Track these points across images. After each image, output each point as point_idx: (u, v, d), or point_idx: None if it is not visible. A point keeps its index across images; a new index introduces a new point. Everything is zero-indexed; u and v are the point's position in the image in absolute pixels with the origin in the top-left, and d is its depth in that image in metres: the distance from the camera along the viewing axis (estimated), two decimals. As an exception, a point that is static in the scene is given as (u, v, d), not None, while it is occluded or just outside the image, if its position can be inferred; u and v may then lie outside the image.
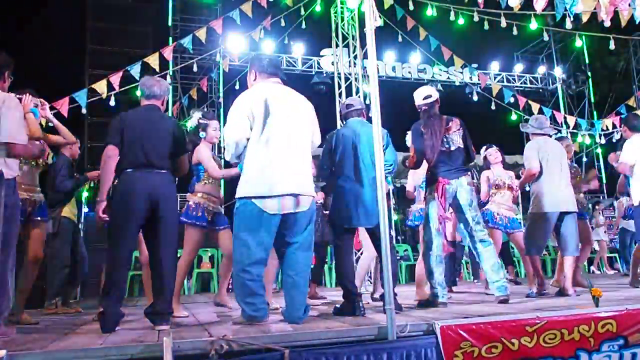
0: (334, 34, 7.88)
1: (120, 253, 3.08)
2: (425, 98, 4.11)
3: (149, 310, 3.14)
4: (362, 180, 3.71)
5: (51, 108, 7.24)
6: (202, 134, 4.05)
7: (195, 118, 4.11)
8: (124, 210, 3.06)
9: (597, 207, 10.20)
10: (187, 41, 8.31)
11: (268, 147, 3.06)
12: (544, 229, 4.48)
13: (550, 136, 4.75)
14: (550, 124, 12.00)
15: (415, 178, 5.25)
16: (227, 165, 4.56)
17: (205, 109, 11.58)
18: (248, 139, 3.11)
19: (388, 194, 3.76)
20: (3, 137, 2.89)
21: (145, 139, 3.15)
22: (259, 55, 3.58)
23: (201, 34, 8.32)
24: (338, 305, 3.63)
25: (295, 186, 3.07)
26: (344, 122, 4.03)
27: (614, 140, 11.48)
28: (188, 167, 3.38)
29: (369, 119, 3.52)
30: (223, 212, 4.18)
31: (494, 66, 14.32)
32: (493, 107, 10.69)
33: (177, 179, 3.41)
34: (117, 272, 3.07)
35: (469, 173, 4.04)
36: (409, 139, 5.16)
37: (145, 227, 3.16)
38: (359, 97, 7.46)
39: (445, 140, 3.97)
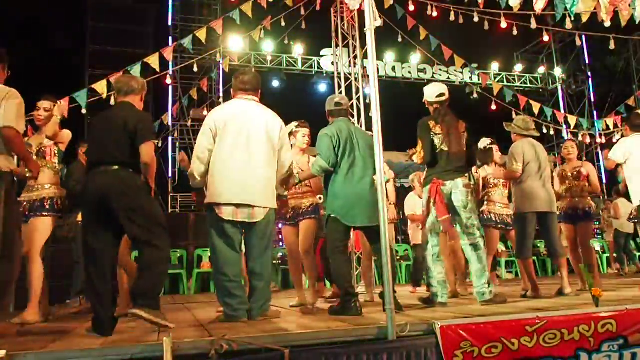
0: (334, 34, 7.87)
1: (87, 252, 3.03)
2: (438, 96, 4.07)
3: (132, 289, 3.06)
4: (361, 180, 3.71)
5: (51, 108, 7.28)
6: (292, 140, 4.39)
7: (290, 126, 4.42)
8: (83, 214, 3.15)
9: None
10: (187, 41, 8.31)
11: (229, 160, 3.32)
12: (525, 229, 4.50)
13: (534, 137, 4.74)
14: (550, 123, 12.00)
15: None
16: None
17: (205, 109, 11.61)
18: (210, 151, 3.38)
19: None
20: (1, 122, 2.94)
21: (98, 137, 3.16)
22: (238, 72, 3.68)
23: (201, 34, 8.32)
24: (334, 305, 3.64)
25: (250, 197, 3.31)
26: (331, 120, 4.01)
27: (614, 140, 11.48)
28: (152, 158, 3.12)
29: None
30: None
31: (494, 66, 14.33)
32: (493, 107, 10.70)
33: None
34: (89, 276, 2.99)
35: (467, 175, 3.99)
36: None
37: (113, 226, 3.04)
38: (358, 96, 7.46)
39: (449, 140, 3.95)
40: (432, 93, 4.10)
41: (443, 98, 4.07)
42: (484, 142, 5.27)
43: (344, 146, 3.74)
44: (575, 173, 5.16)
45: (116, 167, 3.05)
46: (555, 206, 4.62)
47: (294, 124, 4.57)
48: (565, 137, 12.82)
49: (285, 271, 8.35)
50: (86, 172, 3.20)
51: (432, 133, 3.96)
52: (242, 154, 3.34)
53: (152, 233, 3.00)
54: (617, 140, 4.99)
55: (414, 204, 6.07)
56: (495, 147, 5.35)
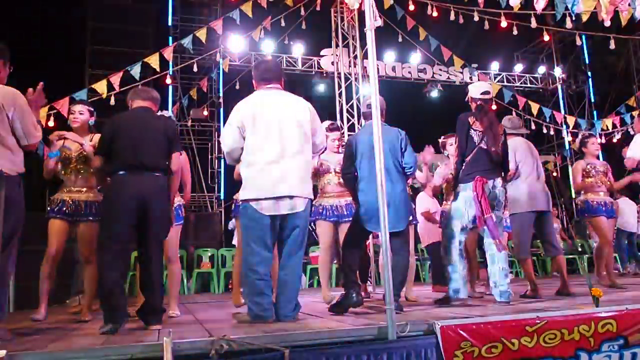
0: (334, 34, 7.88)
1: (111, 255, 3.06)
2: (483, 93, 4.07)
3: (141, 310, 3.16)
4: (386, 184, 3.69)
5: (51, 108, 7.29)
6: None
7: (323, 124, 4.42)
8: (114, 213, 3.10)
9: None
10: (187, 41, 8.31)
11: (262, 152, 3.24)
12: (524, 229, 4.49)
13: (523, 136, 4.73)
14: (550, 123, 11.99)
15: (446, 172, 5.10)
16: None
17: (205, 109, 11.61)
18: (242, 147, 3.29)
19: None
20: (23, 141, 2.99)
21: (138, 140, 3.18)
22: (258, 62, 3.68)
23: (201, 34, 8.32)
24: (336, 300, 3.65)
25: (289, 188, 3.20)
26: (364, 123, 4.06)
27: (614, 140, 11.48)
28: (178, 166, 3.35)
29: (386, 121, 3.70)
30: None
31: (494, 66, 14.32)
32: (493, 107, 10.69)
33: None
34: (108, 274, 3.03)
35: (503, 176, 4.01)
36: None
37: (136, 228, 3.16)
38: (358, 96, 7.46)
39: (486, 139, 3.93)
40: (478, 90, 4.10)
41: (488, 96, 4.08)
42: None
43: (362, 152, 3.74)
44: (604, 168, 5.19)
45: (157, 174, 3.20)
46: (549, 204, 4.60)
47: (325, 124, 4.54)
48: (565, 137, 12.84)
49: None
50: (112, 172, 3.20)
51: (471, 129, 3.94)
52: (275, 145, 3.23)
53: (161, 246, 3.23)
54: (617, 140, 4.97)
55: (426, 203, 6.03)
56: None
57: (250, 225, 3.22)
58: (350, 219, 4.27)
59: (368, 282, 6.08)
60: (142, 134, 3.21)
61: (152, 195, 3.12)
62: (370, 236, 5.31)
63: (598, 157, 5.35)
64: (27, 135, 3.00)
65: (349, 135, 7.39)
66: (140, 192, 3.09)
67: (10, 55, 3.16)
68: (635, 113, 10.65)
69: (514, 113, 10.82)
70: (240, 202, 3.32)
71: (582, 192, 5.31)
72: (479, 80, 12.18)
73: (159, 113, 3.67)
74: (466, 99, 4.20)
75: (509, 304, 3.75)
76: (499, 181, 3.93)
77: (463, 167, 3.95)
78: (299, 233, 3.30)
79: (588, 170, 5.23)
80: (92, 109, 4.16)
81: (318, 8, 8.58)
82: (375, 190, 3.57)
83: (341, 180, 4.36)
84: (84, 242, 3.75)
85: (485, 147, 3.89)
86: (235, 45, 10.57)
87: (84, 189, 3.84)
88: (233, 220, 6.17)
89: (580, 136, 5.62)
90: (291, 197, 3.20)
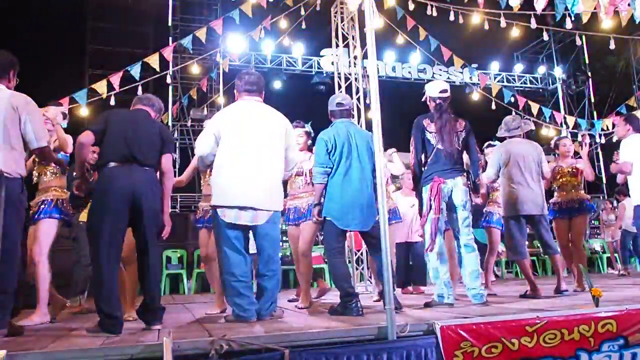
0: (334, 34, 7.86)
1: (102, 250, 2.96)
2: (441, 92, 4.02)
3: (141, 309, 3.14)
4: (358, 183, 3.69)
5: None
6: None
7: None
8: (103, 207, 2.99)
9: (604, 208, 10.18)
10: (187, 41, 8.31)
11: (234, 162, 3.31)
12: (513, 232, 4.47)
13: (521, 136, 4.70)
14: (550, 123, 11.97)
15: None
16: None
17: (205, 110, 11.61)
18: (214, 154, 3.39)
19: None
20: (34, 144, 3.00)
21: (130, 134, 3.13)
22: (242, 73, 3.65)
23: (201, 34, 8.32)
24: (335, 306, 3.63)
25: (253, 200, 3.30)
26: (333, 120, 3.98)
27: (614, 140, 11.48)
28: (171, 168, 3.35)
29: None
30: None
31: (494, 66, 14.32)
32: (493, 107, 10.70)
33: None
34: (102, 271, 2.94)
35: (465, 174, 3.96)
36: (490, 151, 5.20)
37: (130, 224, 3.12)
38: (359, 96, 7.45)
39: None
40: (436, 88, 4.06)
41: (445, 95, 4.01)
42: (490, 145, 5.32)
43: (341, 149, 3.71)
44: (572, 170, 5.19)
45: (148, 169, 3.17)
46: (544, 207, 4.56)
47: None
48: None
49: (284, 271, 8.34)
50: (101, 165, 3.11)
51: (426, 131, 3.93)
52: (248, 156, 3.33)
53: (157, 242, 3.21)
54: (617, 140, 4.95)
55: (401, 203, 6.00)
56: (491, 148, 5.35)
57: (219, 231, 3.35)
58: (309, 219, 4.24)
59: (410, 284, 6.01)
60: (136, 129, 3.18)
61: (143, 187, 3.07)
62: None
63: (580, 157, 5.33)
64: (38, 139, 3.01)
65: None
66: (131, 184, 3.03)
67: (19, 66, 3.19)
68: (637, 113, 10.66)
69: (513, 113, 10.84)
70: (211, 207, 3.43)
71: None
72: (479, 79, 12.17)
73: None
74: (423, 98, 4.16)
75: (485, 304, 3.74)
76: (459, 180, 3.89)
77: (424, 170, 3.96)
78: (270, 243, 3.41)
79: (557, 171, 5.23)
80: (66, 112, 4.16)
81: (318, 8, 8.58)
82: (351, 188, 3.64)
83: (307, 179, 4.36)
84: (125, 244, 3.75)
85: (442, 147, 3.87)
86: (235, 45, 10.58)
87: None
88: None
89: (554, 139, 5.63)
90: (254, 209, 3.30)
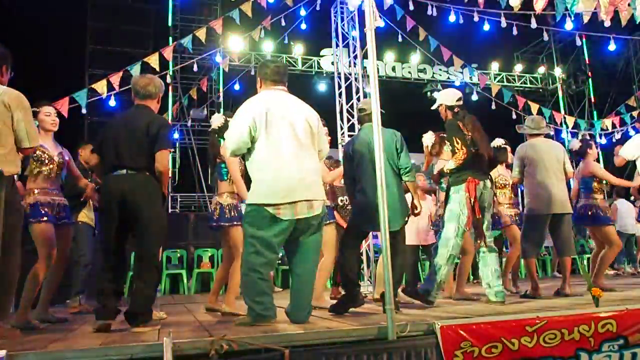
0: (334, 34, 7.87)
1: (105, 254, 3.20)
2: (458, 100, 4.09)
3: (127, 310, 3.12)
4: (376, 187, 3.68)
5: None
6: None
7: (220, 118, 4.10)
8: (103, 214, 3.24)
9: None
10: (187, 41, 8.31)
11: (278, 156, 3.10)
12: (538, 230, 4.48)
13: (547, 136, 4.73)
14: (549, 123, 12.01)
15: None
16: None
17: (205, 110, 11.61)
18: (247, 147, 3.16)
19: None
20: (25, 143, 2.98)
21: (118, 140, 3.20)
22: (266, 61, 3.55)
23: (201, 34, 8.32)
24: (337, 300, 3.66)
25: (307, 192, 3.12)
26: (360, 127, 4.07)
27: (614, 140, 11.48)
28: (166, 166, 3.25)
29: (383, 123, 3.57)
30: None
31: (494, 66, 14.32)
32: (493, 107, 10.70)
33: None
34: (103, 272, 3.17)
35: (490, 177, 4.01)
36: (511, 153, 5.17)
37: (128, 228, 3.20)
38: (359, 96, 7.46)
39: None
40: (452, 97, 4.09)
41: (461, 102, 4.09)
42: (497, 142, 5.26)
43: (361, 155, 3.77)
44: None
45: (136, 172, 3.17)
46: (569, 206, 4.53)
47: (222, 115, 4.42)
48: (565, 138, 12.83)
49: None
50: (102, 174, 3.33)
51: (469, 134, 3.91)
52: (291, 147, 3.13)
53: (156, 249, 3.23)
54: (617, 140, 4.96)
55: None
56: (509, 148, 5.34)
57: (262, 227, 3.07)
58: (330, 221, 4.23)
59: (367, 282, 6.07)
60: (123, 134, 3.21)
61: (130, 192, 3.11)
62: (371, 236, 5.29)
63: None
64: (30, 138, 3.00)
65: (349, 135, 7.38)
66: (119, 191, 3.12)
67: (12, 60, 3.16)
68: (635, 113, 10.66)
69: (513, 113, 10.84)
70: (248, 204, 3.17)
71: None
72: (479, 79, 12.16)
73: None
74: (436, 106, 4.15)
75: (503, 304, 3.75)
76: (488, 183, 3.94)
77: (455, 170, 3.94)
78: (315, 237, 3.24)
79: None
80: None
81: (318, 8, 8.58)
82: (372, 191, 3.55)
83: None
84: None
85: (473, 151, 3.88)
86: (235, 45, 10.57)
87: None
88: None
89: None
90: (309, 200, 3.12)
